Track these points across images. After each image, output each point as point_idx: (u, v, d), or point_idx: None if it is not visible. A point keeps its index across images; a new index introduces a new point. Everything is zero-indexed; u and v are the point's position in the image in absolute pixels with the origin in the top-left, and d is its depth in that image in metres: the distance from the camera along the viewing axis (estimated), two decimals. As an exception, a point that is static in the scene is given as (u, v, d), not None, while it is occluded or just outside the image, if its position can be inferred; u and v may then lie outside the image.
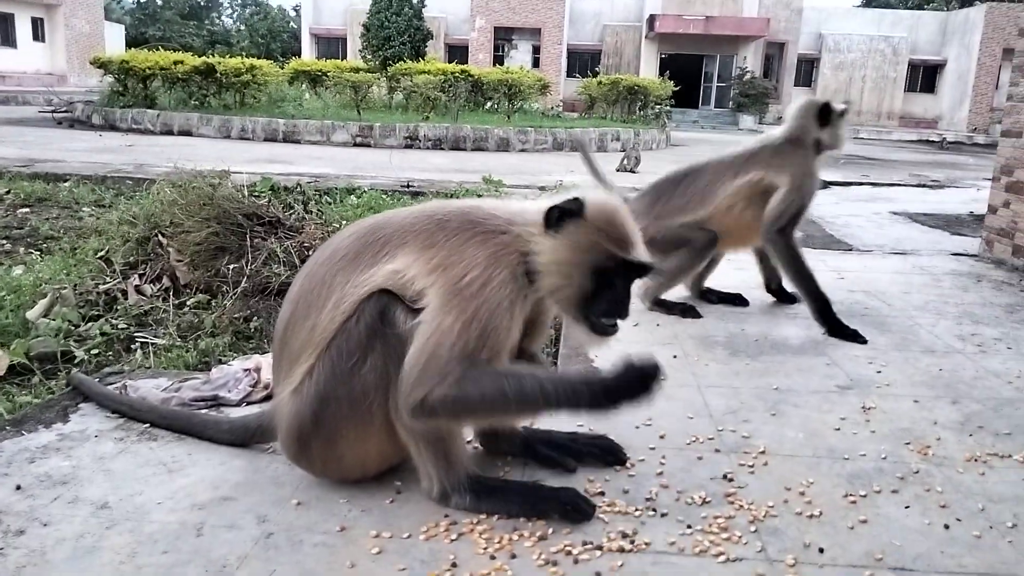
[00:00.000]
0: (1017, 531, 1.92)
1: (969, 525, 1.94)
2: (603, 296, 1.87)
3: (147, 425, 2.37)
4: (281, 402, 1.96)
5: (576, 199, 1.85)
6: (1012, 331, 3.68)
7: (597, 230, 1.84)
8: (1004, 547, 1.85)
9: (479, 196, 6.81)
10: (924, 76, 37.46)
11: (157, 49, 20.80)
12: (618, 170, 10.97)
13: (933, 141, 28.28)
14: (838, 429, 2.50)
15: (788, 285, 3.95)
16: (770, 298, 4.15)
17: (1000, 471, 2.24)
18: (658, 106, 21.88)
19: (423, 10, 27.45)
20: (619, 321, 1.91)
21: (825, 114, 3.76)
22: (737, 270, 4.52)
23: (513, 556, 1.75)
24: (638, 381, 1.79)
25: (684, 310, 3.84)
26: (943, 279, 4.72)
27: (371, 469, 2.02)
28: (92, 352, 3.62)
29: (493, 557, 1.74)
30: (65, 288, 4.20)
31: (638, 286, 1.98)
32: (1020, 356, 3.31)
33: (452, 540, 1.81)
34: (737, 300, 4.09)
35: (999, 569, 1.77)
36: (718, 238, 3.80)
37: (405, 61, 22.30)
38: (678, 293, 4.02)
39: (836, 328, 3.54)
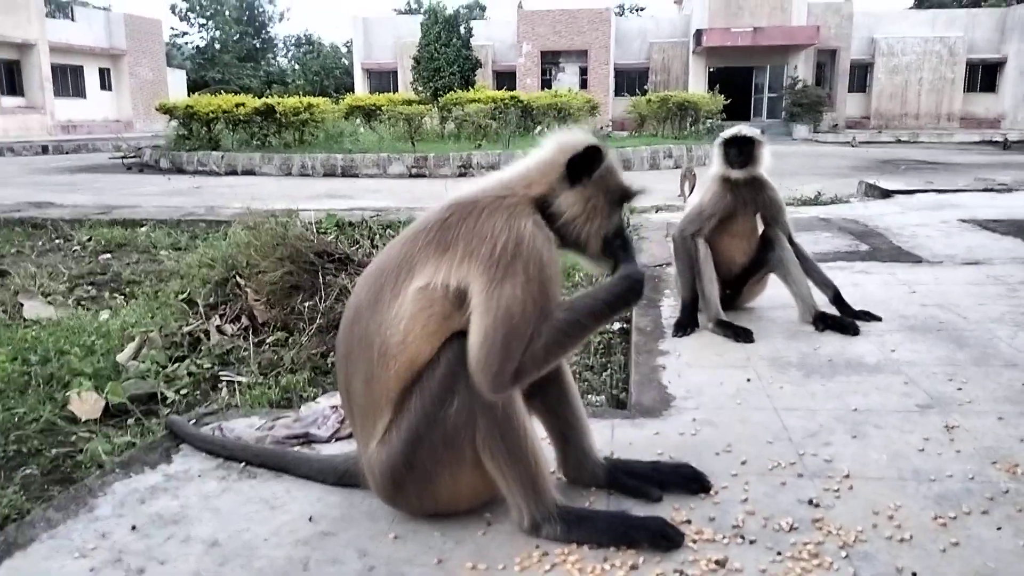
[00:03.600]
0: (1118, 551, 1.88)
1: (1066, 546, 1.91)
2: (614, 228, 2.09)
3: (243, 464, 2.49)
4: (369, 453, 2.03)
5: (594, 147, 2.01)
6: (1097, 341, 3.57)
7: (610, 171, 2.05)
8: (1105, 568, 1.82)
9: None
10: (984, 75, 36.41)
11: (218, 92, 21.60)
12: (681, 195, 10.59)
13: (996, 141, 27.42)
14: (922, 450, 2.48)
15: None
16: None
17: (1095, 489, 2.19)
18: (709, 120, 21.76)
19: (471, 39, 27.92)
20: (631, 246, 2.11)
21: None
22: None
23: (606, 585, 1.80)
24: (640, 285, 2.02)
25: (740, 332, 3.81)
26: (1019, 288, 4.61)
27: (464, 504, 2.08)
28: (181, 392, 3.80)
29: (586, 587, 1.79)
30: (152, 331, 4.41)
31: None
32: (1108, 367, 3.22)
33: (546, 571, 1.86)
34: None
35: (1101, 591, 1.74)
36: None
37: (455, 91, 22.68)
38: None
39: (847, 313, 3.96)
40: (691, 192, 10.95)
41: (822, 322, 3.89)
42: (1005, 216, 7.42)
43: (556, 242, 2.00)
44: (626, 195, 2.09)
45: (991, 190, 9.98)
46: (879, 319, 3.98)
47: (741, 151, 3.97)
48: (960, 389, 3.00)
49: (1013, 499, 2.15)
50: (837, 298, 4.05)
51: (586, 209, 2.00)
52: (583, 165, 1.99)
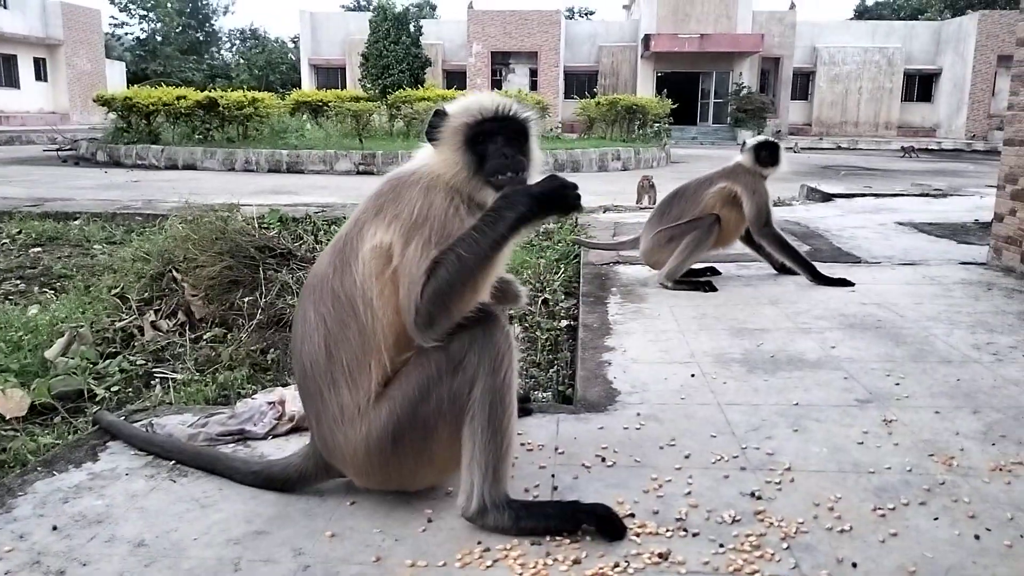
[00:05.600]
0: (1048, 540, 1.92)
1: (999, 535, 1.95)
2: (489, 159, 2.02)
3: (173, 462, 2.39)
4: (356, 414, 1.98)
5: (438, 110, 2.09)
6: (1026, 338, 3.68)
7: (458, 118, 2.05)
8: (1036, 556, 1.86)
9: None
10: (920, 85, 37.69)
11: (159, 85, 21.03)
12: (640, 205, 10.32)
13: (932, 150, 28.35)
14: (861, 443, 2.51)
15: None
16: (786, 323, 4.16)
17: (1026, 480, 2.24)
18: (657, 124, 22.04)
19: (420, 38, 27.76)
20: (516, 174, 2.01)
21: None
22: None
23: (548, 581, 1.76)
24: (560, 189, 1.94)
25: (703, 285, 4.83)
26: (954, 288, 4.74)
27: (452, 468, 2.05)
28: (112, 389, 3.65)
29: (529, 582, 1.76)
30: (82, 326, 4.23)
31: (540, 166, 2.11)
32: (1036, 363, 3.32)
33: (487, 567, 1.82)
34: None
35: (1033, 579, 1.77)
36: (720, 219, 4.87)
37: (404, 89, 22.55)
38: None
39: (826, 280, 4.88)
40: (652, 203, 10.64)
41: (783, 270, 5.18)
42: (940, 220, 7.65)
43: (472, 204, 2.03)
44: (483, 127, 2.02)
45: (927, 195, 10.29)
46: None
47: (772, 153, 5.00)
48: (898, 384, 3.06)
49: (949, 490, 2.19)
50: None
51: (445, 159, 2.03)
52: (432, 127, 2.08)
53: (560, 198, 1.94)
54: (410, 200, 1.99)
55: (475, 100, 2.09)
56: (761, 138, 5.15)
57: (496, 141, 2.02)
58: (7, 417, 3.32)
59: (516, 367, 2.00)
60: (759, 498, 2.13)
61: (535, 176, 2.07)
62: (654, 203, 10.40)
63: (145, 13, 55.72)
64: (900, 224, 7.39)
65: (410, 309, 1.90)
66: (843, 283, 4.82)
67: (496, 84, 34.94)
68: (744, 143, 5.22)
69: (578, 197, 1.96)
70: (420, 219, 1.95)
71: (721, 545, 1.90)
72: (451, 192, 2.01)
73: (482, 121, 2.03)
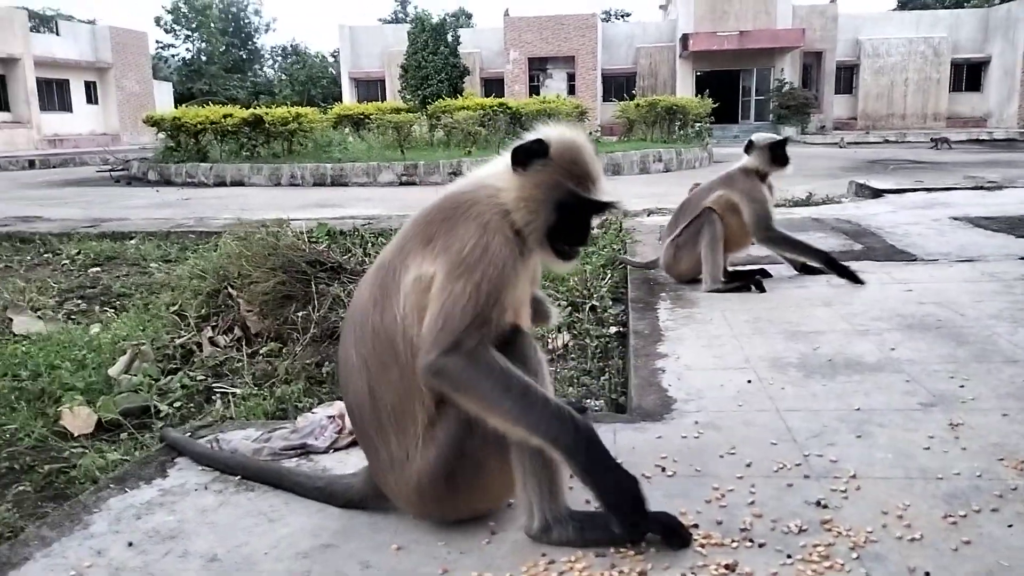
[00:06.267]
0: None
1: (1078, 542, 1.89)
2: (566, 228, 1.97)
3: (239, 476, 2.44)
4: (407, 463, 1.97)
5: (539, 140, 1.97)
6: (1095, 335, 3.57)
7: (560, 168, 1.95)
8: (1119, 564, 1.80)
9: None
10: (968, 75, 36.70)
11: (206, 104, 21.55)
12: None
13: (983, 140, 27.60)
14: (927, 448, 2.46)
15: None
16: (841, 324, 4.10)
17: (1103, 484, 2.18)
18: (698, 124, 21.83)
19: (458, 47, 27.97)
20: (580, 248, 2.04)
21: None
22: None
23: (615, 593, 1.76)
24: (625, 494, 1.87)
25: (751, 284, 4.77)
26: (1015, 285, 4.61)
27: (510, 492, 2.04)
28: (175, 405, 3.75)
29: (595, 595, 1.76)
30: (143, 344, 4.35)
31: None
32: (1108, 361, 3.21)
33: (553, 579, 1.83)
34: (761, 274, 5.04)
35: (1117, 587, 1.72)
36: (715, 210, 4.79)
37: (444, 99, 22.70)
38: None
39: (844, 272, 4.82)
40: None
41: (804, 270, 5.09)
42: (996, 213, 7.44)
43: (528, 248, 1.98)
44: (585, 202, 1.96)
45: (981, 188, 10.02)
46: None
47: (781, 152, 4.86)
48: (962, 386, 2.98)
49: (1022, 496, 2.13)
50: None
51: (523, 197, 1.94)
52: (526, 153, 1.97)
53: (628, 502, 1.87)
54: (464, 235, 1.89)
55: (581, 152, 1.98)
56: (769, 137, 5.00)
57: (580, 218, 1.98)
58: (75, 434, 3.43)
59: (549, 381, 1.98)
60: (825, 507, 2.10)
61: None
62: None
63: (190, 34, 57.14)
64: (955, 219, 7.21)
65: (425, 346, 1.84)
66: (854, 279, 4.76)
67: (534, 90, 34.97)
68: (749, 142, 4.97)
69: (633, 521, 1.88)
70: (473, 259, 1.86)
71: (788, 556, 1.87)
72: (512, 234, 1.92)
73: (585, 200, 1.96)
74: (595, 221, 2.02)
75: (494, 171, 2.04)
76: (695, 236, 4.81)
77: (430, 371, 1.84)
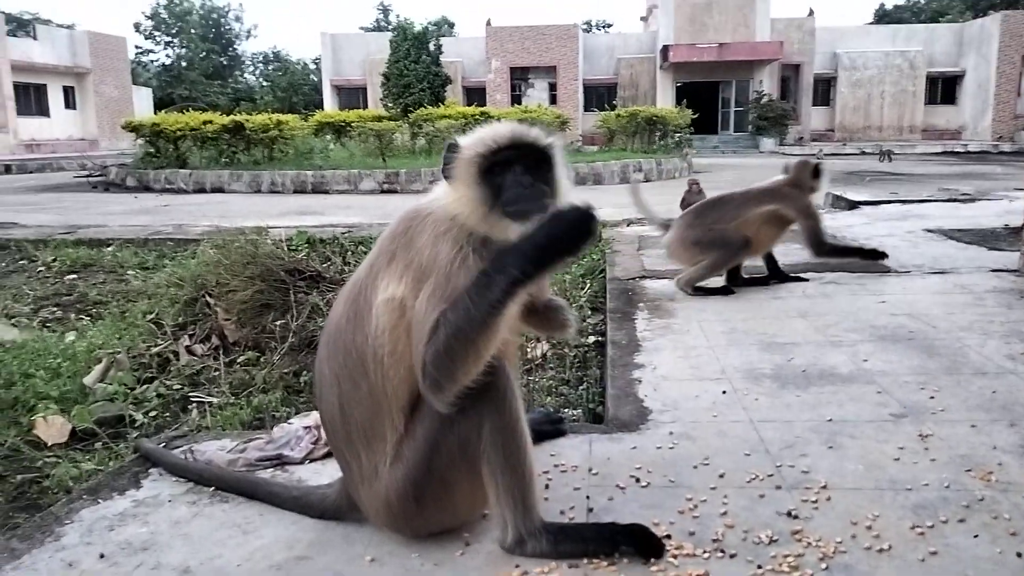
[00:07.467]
0: (1092, 556, 1.90)
1: (1042, 552, 1.93)
2: (501, 191, 1.88)
3: (213, 488, 2.43)
4: (377, 479, 1.97)
5: (452, 143, 1.96)
6: (1062, 347, 3.64)
7: (469, 150, 1.91)
8: (1080, 573, 1.84)
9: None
10: (944, 88, 37.31)
11: (186, 110, 21.39)
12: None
13: (958, 152, 28.01)
14: (897, 459, 2.49)
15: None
16: (816, 336, 4.15)
17: (1067, 494, 2.22)
18: (677, 134, 22.00)
19: (440, 56, 27.99)
20: (532, 205, 1.84)
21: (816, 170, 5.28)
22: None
23: (588, 604, 1.78)
24: (572, 226, 1.77)
25: (721, 290, 5.04)
26: (986, 297, 4.68)
27: (479, 511, 2.07)
28: (150, 414, 3.73)
29: (568, 606, 1.77)
30: (119, 352, 4.32)
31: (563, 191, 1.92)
32: (1074, 373, 3.27)
33: (526, 590, 1.84)
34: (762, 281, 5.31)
35: (1078, 596, 1.75)
36: (751, 242, 4.98)
37: (426, 107, 22.73)
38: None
39: (875, 255, 5.65)
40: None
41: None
42: (969, 226, 7.56)
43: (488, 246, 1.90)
44: (498, 157, 1.88)
45: (955, 200, 10.18)
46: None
47: (817, 171, 5.23)
48: (932, 398, 3.03)
49: (989, 506, 2.17)
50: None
51: (456, 195, 1.91)
52: (446, 161, 1.95)
53: (571, 233, 1.76)
54: (421, 247, 1.89)
55: (490, 129, 1.95)
56: (805, 157, 5.59)
57: (514, 171, 1.88)
58: (48, 444, 3.40)
59: (520, 397, 1.97)
60: (796, 517, 2.13)
61: (562, 201, 1.91)
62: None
63: (170, 40, 56.80)
64: (929, 231, 7.31)
65: (419, 370, 1.83)
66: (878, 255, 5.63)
67: (516, 99, 35.11)
68: (787, 166, 5.31)
69: (589, 225, 1.77)
70: (428, 270, 1.85)
71: (759, 566, 1.89)
72: (462, 237, 1.88)
73: (497, 150, 1.88)
74: (528, 175, 1.89)
75: (444, 189, 2.00)
76: (717, 246, 4.94)
77: (433, 391, 1.83)
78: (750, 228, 4.99)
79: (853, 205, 9.81)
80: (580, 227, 1.76)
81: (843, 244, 5.53)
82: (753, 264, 5.36)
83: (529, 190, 1.87)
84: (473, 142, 1.94)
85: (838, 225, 7.97)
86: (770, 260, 5.35)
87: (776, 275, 5.33)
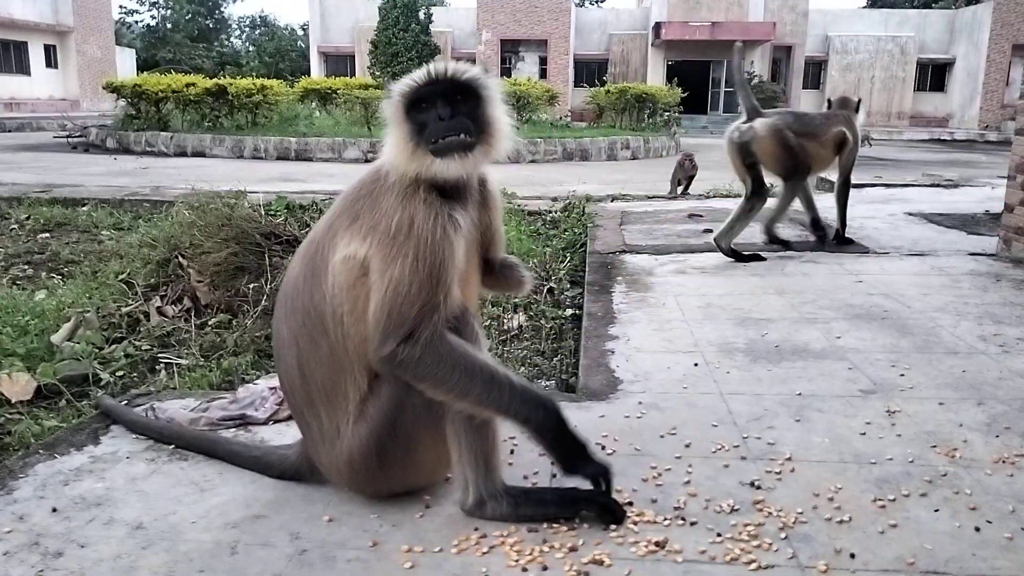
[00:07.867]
0: (1049, 532, 1.91)
1: (1000, 527, 1.93)
2: (424, 127, 1.86)
3: (173, 446, 2.40)
4: (340, 438, 1.94)
5: (387, 90, 1.94)
6: (1034, 330, 3.65)
7: (395, 91, 1.90)
8: (1037, 548, 1.84)
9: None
10: (933, 75, 37.29)
11: (169, 72, 21.04)
12: (671, 195, 9.59)
13: (945, 140, 28.07)
14: (863, 434, 2.49)
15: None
16: (791, 312, 4.15)
17: (1029, 472, 2.23)
18: (667, 113, 21.90)
19: (430, 25, 27.66)
20: (460, 135, 1.85)
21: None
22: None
23: (544, 568, 1.76)
24: (586, 460, 1.95)
25: (753, 257, 5.28)
26: (962, 280, 4.70)
27: (444, 468, 2.04)
28: (117, 374, 3.67)
29: (525, 569, 1.76)
30: (88, 311, 4.25)
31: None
32: (1044, 355, 3.29)
33: (483, 553, 1.82)
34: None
35: (1033, 571, 1.76)
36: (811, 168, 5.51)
37: (414, 76, 22.38)
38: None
39: (844, 240, 5.87)
40: (685, 188, 9.84)
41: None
42: (950, 210, 7.59)
43: (450, 203, 1.88)
44: (416, 95, 1.87)
45: (938, 185, 10.21)
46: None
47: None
48: (903, 375, 3.04)
49: (951, 482, 2.17)
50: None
51: (394, 145, 1.88)
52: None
53: (578, 459, 1.95)
54: (389, 210, 1.85)
55: (407, 79, 1.92)
56: (844, 95, 5.99)
57: (436, 106, 1.85)
58: (12, 400, 3.34)
59: (486, 350, 1.97)
60: (758, 488, 2.13)
61: (498, 140, 1.91)
62: (688, 191, 9.75)
63: (155, 0, 55.73)
64: (910, 215, 7.33)
65: (378, 337, 1.81)
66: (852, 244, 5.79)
67: (506, 72, 34.77)
68: (830, 100, 5.95)
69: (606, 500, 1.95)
70: (401, 235, 1.82)
71: (719, 534, 1.89)
72: (431, 203, 1.84)
73: (417, 87, 1.87)
74: (449, 109, 1.86)
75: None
76: (794, 163, 5.32)
77: (389, 362, 1.82)
78: (822, 148, 5.43)
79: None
80: (590, 472, 1.96)
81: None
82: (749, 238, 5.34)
83: (448, 122, 1.84)
84: (399, 84, 1.92)
85: (822, 206, 7.94)
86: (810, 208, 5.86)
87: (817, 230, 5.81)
